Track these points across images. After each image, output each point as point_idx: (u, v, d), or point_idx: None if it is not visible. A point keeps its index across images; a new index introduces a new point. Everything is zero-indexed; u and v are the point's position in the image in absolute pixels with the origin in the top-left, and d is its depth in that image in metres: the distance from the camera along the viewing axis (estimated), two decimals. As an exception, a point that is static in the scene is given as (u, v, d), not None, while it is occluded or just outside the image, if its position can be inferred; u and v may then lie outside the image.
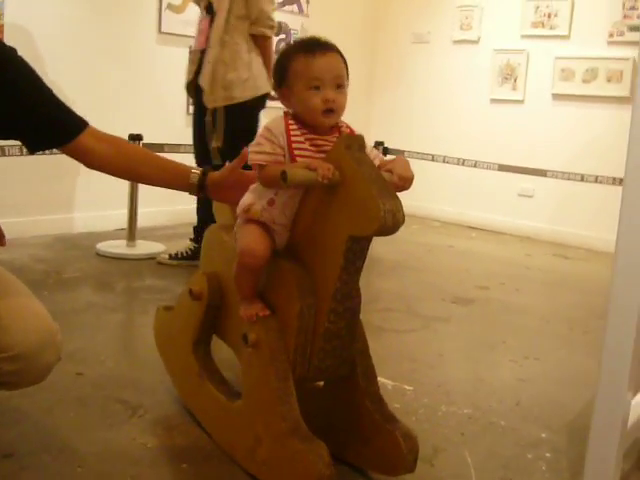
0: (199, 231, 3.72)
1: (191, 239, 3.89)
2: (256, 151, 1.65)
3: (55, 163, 1.77)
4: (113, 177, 1.93)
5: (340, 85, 1.66)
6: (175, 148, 4.26)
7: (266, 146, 1.64)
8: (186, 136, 4.73)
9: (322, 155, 1.61)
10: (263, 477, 1.70)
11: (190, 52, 3.90)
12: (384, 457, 1.72)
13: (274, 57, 3.65)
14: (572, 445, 2.08)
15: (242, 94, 3.62)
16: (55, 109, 1.80)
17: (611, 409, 1.58)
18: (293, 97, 1.68)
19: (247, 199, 1.74)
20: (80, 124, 1.82)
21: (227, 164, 1.92)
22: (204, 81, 3.61)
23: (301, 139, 1.65)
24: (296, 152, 1.63)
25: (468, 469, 1.89)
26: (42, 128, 1.77)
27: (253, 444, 1.69)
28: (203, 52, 3.65)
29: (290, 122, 1.67)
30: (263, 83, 3.70)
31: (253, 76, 3.66)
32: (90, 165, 1.86)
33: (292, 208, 1.69)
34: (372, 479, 1.80)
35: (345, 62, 1.69)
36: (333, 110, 1.64)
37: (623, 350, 1.55)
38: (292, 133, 1.65)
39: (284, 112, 1.72)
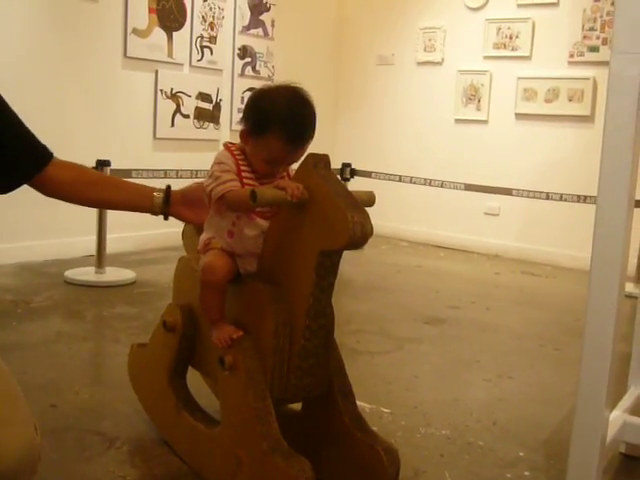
0: None
1: None
2: (218, 183, 1.68)
3: (18, 189, 1.70)
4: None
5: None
6: (142, 173, 4.23)
7: (225, 175, 1.69)
8: (153, 161, 4.72)
9: (265, 180, 1.71)
10: None
11: None
12: (366, 472, 1.71)
13: None
14: (549, 463, 2.10)
15: None
16: (24, 140, 1.72)
17: (590, 426, 1.60)
18: (251, 146, 1.72)
19: (205, 235, 1.80)
20: (46, 154, 1.76)
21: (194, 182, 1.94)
22: None
23: (247, 168, 1.73)
24: (243, 174, 1.71)
25: (449, 491, 1.90)
26: (11, 162, 1.69)
27: (234, 467, 1.67)
28: None
29: (235, 152, 1.74)
30: None
31: None
32: (51, 194, 1.79)
33: (253, 239, 1.72)
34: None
35: (314, 126, 1.72)
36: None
37: (600, 367, 1.57)
38: (239, 161, 1.73)
39: (224, 144, 1.78)
